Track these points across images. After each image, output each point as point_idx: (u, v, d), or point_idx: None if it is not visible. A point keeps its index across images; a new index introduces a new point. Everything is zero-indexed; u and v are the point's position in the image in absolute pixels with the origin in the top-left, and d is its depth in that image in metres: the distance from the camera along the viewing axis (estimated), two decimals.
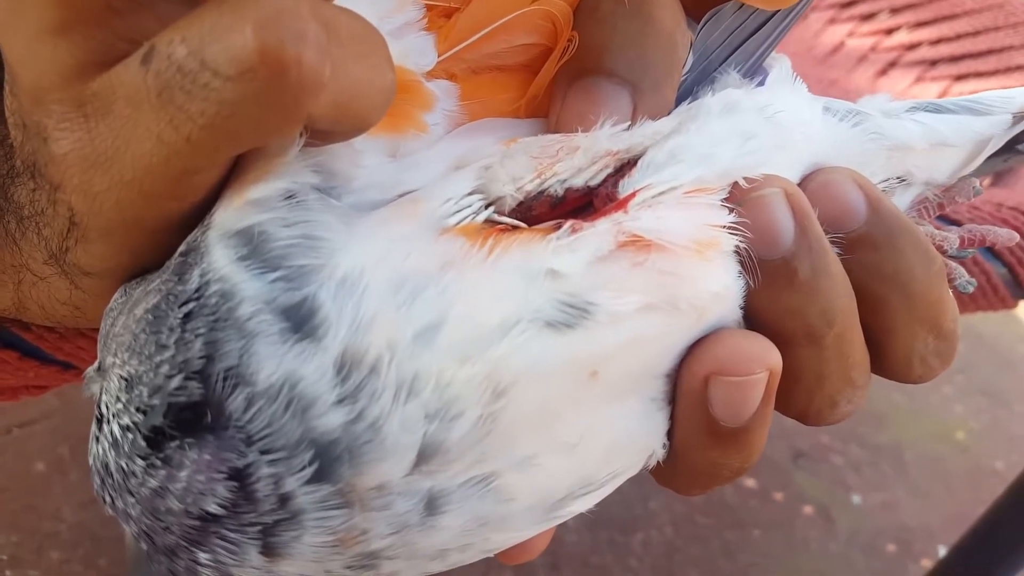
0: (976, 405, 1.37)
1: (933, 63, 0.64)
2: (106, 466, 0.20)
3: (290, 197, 0.19)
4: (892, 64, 0.65)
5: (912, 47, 0.65)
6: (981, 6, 0.66)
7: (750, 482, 1.15)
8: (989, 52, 0.63)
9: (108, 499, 0.20)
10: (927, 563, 1.08)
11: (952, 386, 1.39)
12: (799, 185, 0.22)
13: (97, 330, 0.21)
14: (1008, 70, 0.62)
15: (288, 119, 0.17)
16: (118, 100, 0.17)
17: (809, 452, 1.21)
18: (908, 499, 1.18)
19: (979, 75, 0.62)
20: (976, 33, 0.64)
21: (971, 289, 0.25)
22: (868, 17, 0.68)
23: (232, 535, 0.19)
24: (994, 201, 0.49)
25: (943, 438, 1.30)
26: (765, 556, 1.06)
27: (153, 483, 0.19)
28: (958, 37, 0.64)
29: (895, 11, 0.68)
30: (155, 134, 0.17)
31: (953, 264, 0.25)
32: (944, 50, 0.64)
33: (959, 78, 0.62)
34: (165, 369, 0.18)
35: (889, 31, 0.67)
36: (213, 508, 0.18)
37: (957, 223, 0.45)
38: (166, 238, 0.20)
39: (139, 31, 0.17)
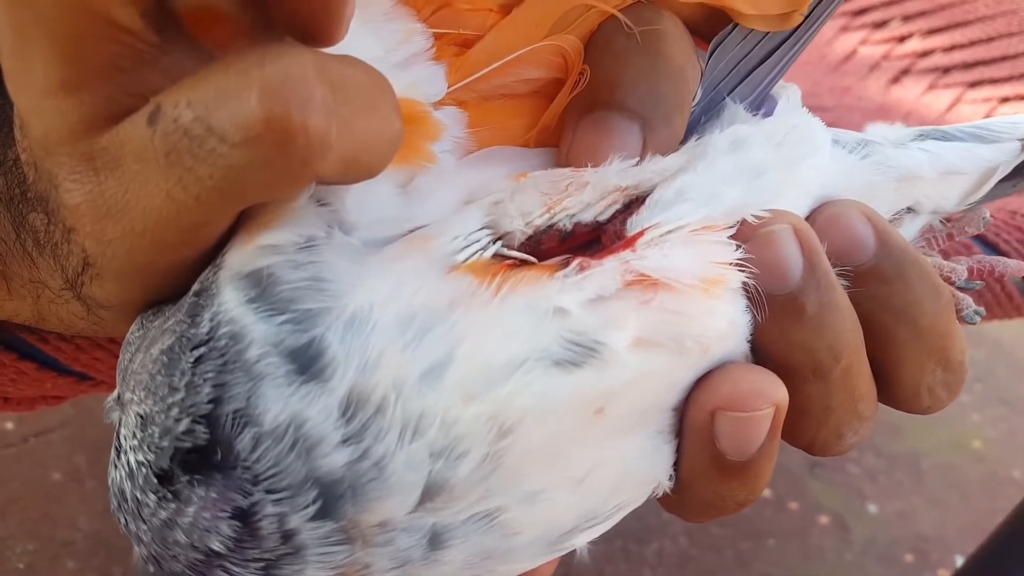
0: (993, 414, 1.36)
1: (946, 70, 0.64)
2: (122, 492, 0.20)
3: (300, 240, 0.19)
4: (905, 71, 0.65)
5: (925, 54, 0.65)
6: (995, 12, 0.66)
7: (765, 491, 1.14)
8: (1003, 58, 0.63)
9: (123, 521, 0.20)
10: (944, 573, 1.07)
11: (969, 394, 1.38)
12: (807, 219, 0.22)
13: (115, 341, 0.21)
14: (1022, 76, 0.62)
15: (296, 181, 0.17)
16: (126, 156, 0.17)
17: (824, 461, 1.20)
18: (925, 508, 1.17)
19: (993, 82, 0.62)
20: (989, 39, 0.64)
21: (978, 320, 0.25)
22: (880, 24, 0.68)
23: (236, 569, 0.19)
24: (1008, 208, 0.49)
25: (960, 447, 1.29)
26: (780, 566, 1.05)
27: (163, 515, 0.19)
28: (971, 44, 0.64)
29: (907, 18, 0.67)
30: (164, 191, 0.17)
31: (961, 295, 0.25)
32: (957, 57, 0.64)
33: (972, 85, 0.62)
34: (175, 412, 0.19)
35: (902, 38, 0.67)
36: (216, 546, 0.19)
37: (980, 236, 0.45)
38: (180, 278, 0.20)
39: (145, 86, 0.17)
